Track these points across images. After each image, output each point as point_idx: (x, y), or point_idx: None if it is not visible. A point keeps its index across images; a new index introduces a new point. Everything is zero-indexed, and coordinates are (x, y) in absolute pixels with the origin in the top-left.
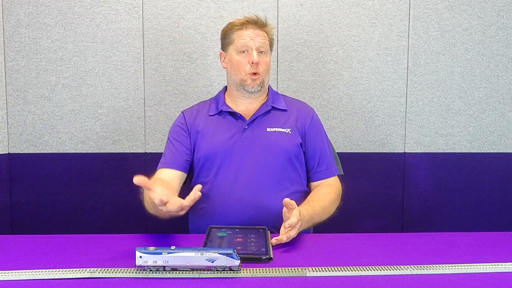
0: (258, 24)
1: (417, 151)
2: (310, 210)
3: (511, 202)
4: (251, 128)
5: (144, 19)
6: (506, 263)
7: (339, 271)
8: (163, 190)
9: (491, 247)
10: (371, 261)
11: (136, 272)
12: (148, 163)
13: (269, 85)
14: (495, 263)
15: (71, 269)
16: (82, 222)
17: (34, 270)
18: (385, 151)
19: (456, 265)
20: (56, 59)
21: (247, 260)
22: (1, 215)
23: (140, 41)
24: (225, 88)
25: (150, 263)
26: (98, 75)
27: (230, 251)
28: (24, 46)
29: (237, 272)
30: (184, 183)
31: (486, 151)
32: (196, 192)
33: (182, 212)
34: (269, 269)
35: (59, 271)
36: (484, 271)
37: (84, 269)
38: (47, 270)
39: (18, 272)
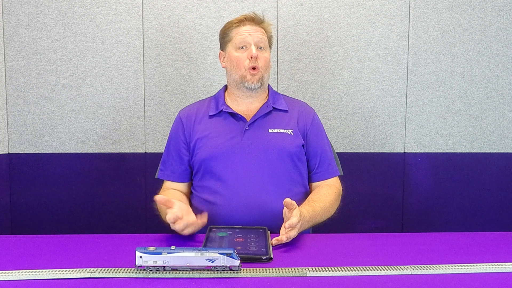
0: (255, 20)
1: (417, 151)
2: (311, 210)
3: (511, 202)
4: (252, 129)
5: (144, 19)
6: (506, 263)
7: (339, 271)
8: (180, 208)
9: (491, 247)
10: (371, 261)
11: (136, 272)
12: (148, 163)
13: (269, 85)
14: (495, 263)
15: (71, 269)
16: (82, 222)
17: (34, 270)
18: (385, 151)
19: (456, 265)
20: (56, 59)
21: (247, 260)
22: (1, 215)
23: (140, 41)
24: (225, 87)
25: (150, 263)
26: (98, 75)
27: (230, 251)
28: (24, 46)
29: (237, 272)
30: None
31: (486, 151)
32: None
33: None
34: (269, 269)
35: (59, 271)
36: (484, 271)
37: (84, 269)
38: (47, 270)
39: (18, 272)
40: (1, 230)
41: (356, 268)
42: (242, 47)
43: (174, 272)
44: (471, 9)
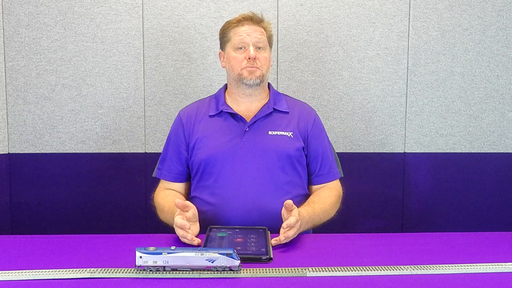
0: (254, 20)
1: (417, 151)
2: (310, 211)
3: (511, 202)
4: (252, 131)
5: (144, 19)
6: (506, 263)
7: (339, 271)
8: (193, 215)
9: (491, 247)
10: (371, 261)
11: (136, 272)
12: (148, 163)
13: (271, 85)
14: (495, 263)
15: (71, 269)
16: (82, 222)
17: (34, 270)
18: (385, 151)
19: (456, 265)
20: (56, 59)
21: (247, 260)
22: (1, 215)
23: (140, 41)
24: (225, 86)
25: (150, 263)
26: (98, 75)
27: (230, 251)
28: (24, 46)
29: (237, 272)
30: None
31: (486, 151)
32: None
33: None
34: (269, 269)
35: (59, 271)
36: (484, 271)
37: (84, 269)
38: (47, 270)
39: (18, 272)
40: (1, 230)
41: (356, 268)
42: (240, 48)
43: (174, 272)
44: (471, 9)
